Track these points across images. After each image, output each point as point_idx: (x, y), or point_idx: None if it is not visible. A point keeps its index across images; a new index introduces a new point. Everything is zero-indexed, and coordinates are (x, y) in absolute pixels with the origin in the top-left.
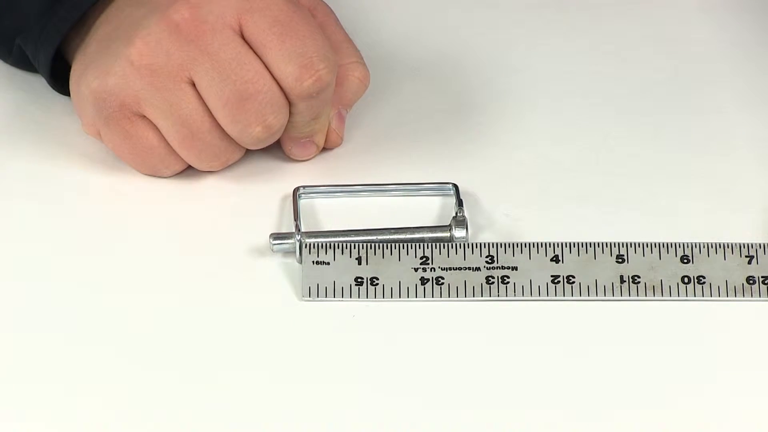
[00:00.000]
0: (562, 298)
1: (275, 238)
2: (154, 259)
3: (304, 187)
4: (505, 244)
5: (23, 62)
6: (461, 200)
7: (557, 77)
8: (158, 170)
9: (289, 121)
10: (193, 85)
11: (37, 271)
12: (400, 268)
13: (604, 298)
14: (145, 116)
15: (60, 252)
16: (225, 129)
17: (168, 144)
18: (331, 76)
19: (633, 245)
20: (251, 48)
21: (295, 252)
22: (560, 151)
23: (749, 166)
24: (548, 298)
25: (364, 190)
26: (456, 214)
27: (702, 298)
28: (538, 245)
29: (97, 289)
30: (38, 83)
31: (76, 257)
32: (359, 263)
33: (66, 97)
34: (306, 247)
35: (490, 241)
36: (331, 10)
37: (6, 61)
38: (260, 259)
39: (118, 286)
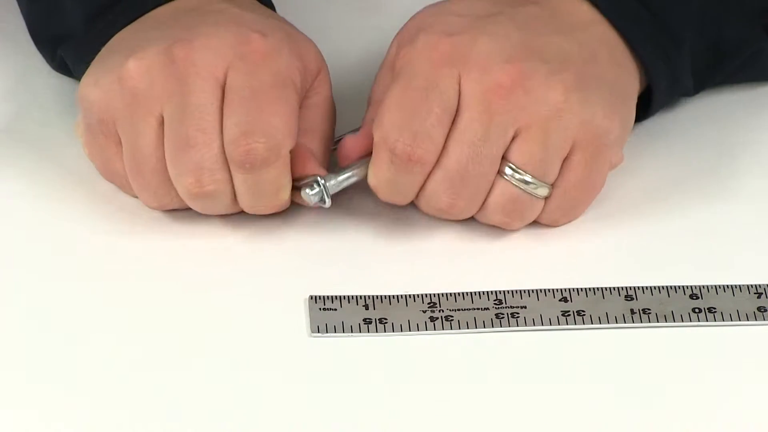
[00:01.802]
0: (573, 327)
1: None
2: (161, 292)
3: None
4: (512, 291)
5: (64, 68)
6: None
7: None
8: (124, 188)
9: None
10: (161, 121)
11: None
12: (408, 311)
13: (615, 325)
14: (119, 137)
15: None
16: (169, 170)
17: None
18: (267, 155)
19: (641, 287)
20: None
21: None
22: None
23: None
24: (559, 327)
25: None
26: None
27: (714, 323)
28: (546, 289)
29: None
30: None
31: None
32: (366, 309)
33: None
34: (312, 298)
35: (498, 287)
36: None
37: (50, 65)
38: (270, 295)
39: (126, 320)
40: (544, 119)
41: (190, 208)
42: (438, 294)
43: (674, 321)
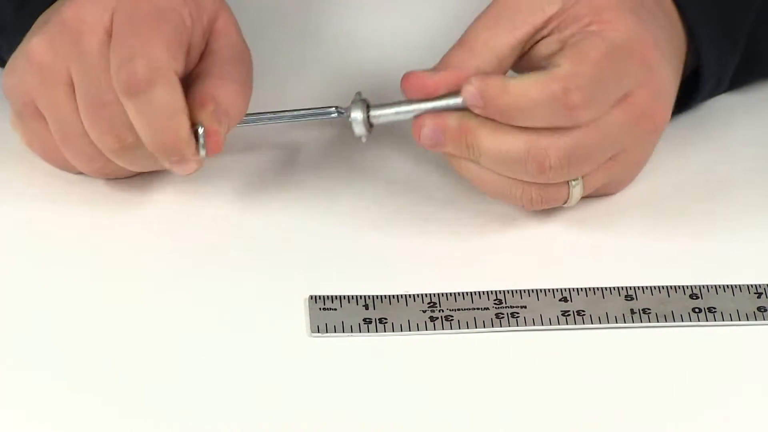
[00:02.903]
0: (573, 327)
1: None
2: (161, 292)
3: None
4: (512, 291)
5: None
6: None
7: None
8: (67, 167)
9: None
10: (73, 87)
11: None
12: (408, 310)
13: (615, 325)
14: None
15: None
16: (89, 135)
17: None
18: (149, 75)
19: (641, 287)
20: None
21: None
22: None
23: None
24: (559, 327)
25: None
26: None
27: (714, 323)
28: (546, 289)
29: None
30: None
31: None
32: (366, 309)
33: None
34: (312, 298)
35: (498, 287)
36: (239, 39)
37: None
38: (270, 295)
39: (125, 320)
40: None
41: (133, 174)
42: (438, 294)
43: (674, 321)
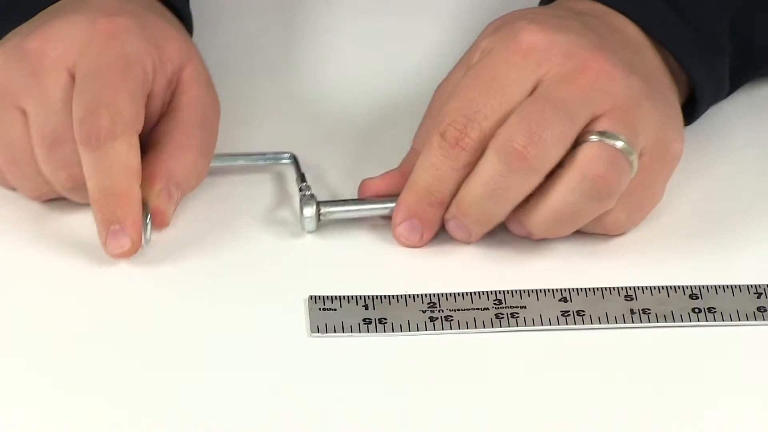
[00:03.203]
0: (573, 327)
1: None
2: (160, 292)
3: None
4: (512, 291)
5: None
6: (303, 175)
7: None
8: (8, 186)
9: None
10: (25, 114)
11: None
12: (408, 310)
13: (615, 325)
14: None
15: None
16: (41, 168)
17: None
18: (111, 128)
19: (641, 287)
20: None
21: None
22: None
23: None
24: (559, 327)
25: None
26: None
27: (714, 323)
28: (545, 289)
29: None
30: None
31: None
32: (366, 309)
33: None
34: (312, 298)
35: (498, 287)
36: (210, 92)
37: None
38: (270, 295)
39: (125, 320)
40: (627, 105)
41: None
42: (438, 294)
43: (674, 321)
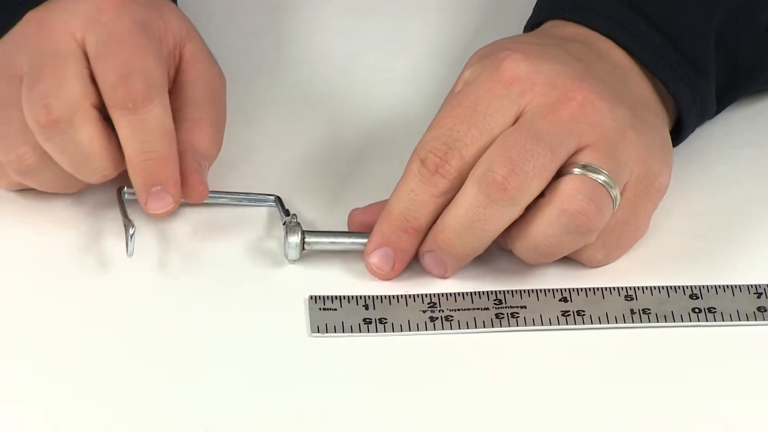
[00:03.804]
0: (573, 327)
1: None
2: (161, 292)
3: (129, 187)
4: (512, 291)
5: None
6: (287, 210)
7: None
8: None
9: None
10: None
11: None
12: (408, 310)
13: (615, 325)
14: None
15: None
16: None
17: None
18: (148, 91)
19: (641, 287)
20: (88, 61)
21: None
22: None
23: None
24: (559, 327)
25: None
26: (285, 222)
27: (714, 323)
28: (546, 289)
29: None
30: None
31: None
32: (366, 309)
33: None
34: (312, 298)
35: (498, 287)
36: (214, 68)
37: None
38: (270, 295)
39: (125, 320)
40: (612, 137)
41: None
42: (438, 294)
43: (674, 321)
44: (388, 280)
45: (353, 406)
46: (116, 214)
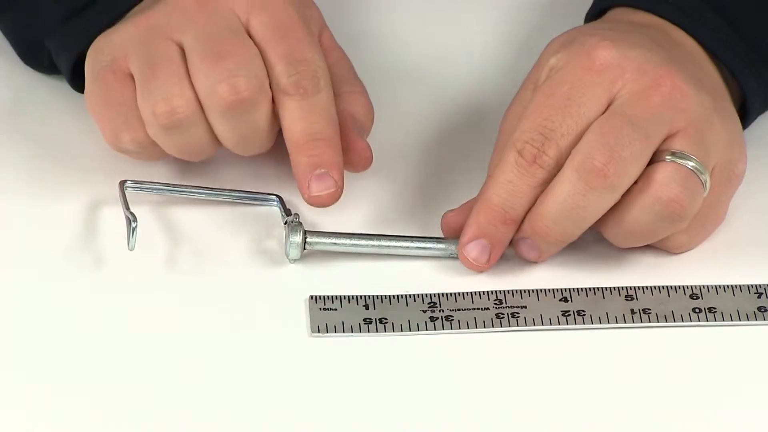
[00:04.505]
0: (574, 327)
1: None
2: (161, 292)
3: (132, 180)
4: (512, 291)
5: (54, 68)
6: (289, 210)
7: None
8: (120, 136)
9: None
10: (181, 46)
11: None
12: (408, 310)
13: (615, 325)
14: (131, 75)
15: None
16: (196, 86)
17: (137, 106)
18: (319, 82)
19: (641, 287)
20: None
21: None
22: None
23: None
24: (559, 327)
25: (191, 191)
26: (287, 221)
27: (714, 323)
28: (546, 289)
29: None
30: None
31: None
32: (366, 309)
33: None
34: (312, 298)
35: (498, 287)
36: (344, 53)
37: (39, 69)
38: (270, 295)
39: (126, 320)
40: (700, 123)
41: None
42: (438, 294)
43: (674, 321)
44: (482, 271)
45: (353, 406)
46: (114, 210)
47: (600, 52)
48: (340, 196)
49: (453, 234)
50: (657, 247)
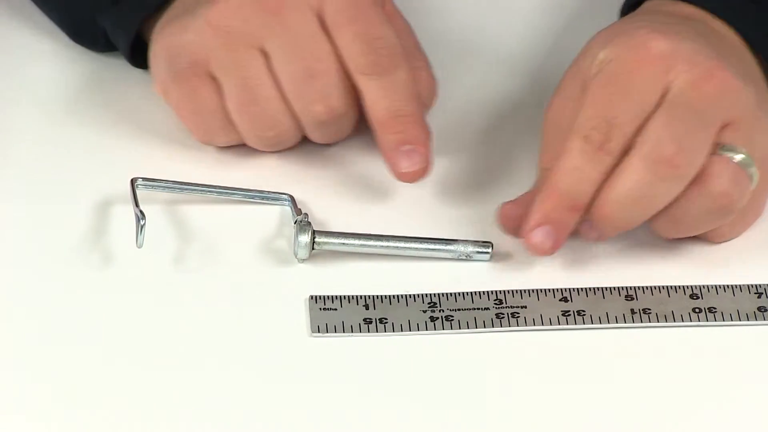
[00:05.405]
0: (574, 327)
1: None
2: (161, 292)
3: (143, 178)
4: (512, 291)
5: (109, 46)
6: (299, 210)
7: None
8: (213, 136)
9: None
10: (265, 54)
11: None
12: (408, 310)
13: (615, 325)
14: (213, 77)
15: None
16: (289, 103)
17: (228, 112)
18: (396, 59)
19: (641, 287)
20: (326, 30)
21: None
22: None
23: None
24: (559, 327)
25: (203, 190)
26: (296, 220)
27: (714, 323)
28: (546, 289)
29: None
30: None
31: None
32: (366, 309)
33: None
34: (312, 298)
35: (498, 287)
36: (407, 22)
37: (94, 48)
38: (270, 295)
39: (126, 320)
40: (748, 116)
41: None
42: (438, 294)
43: (674, 321)
44: (547, 255)
45: (353, 406)
46: (125, 208)
47: (652, 43)
48: (428, 171)
49: (512, 225)
50: (698, 237)
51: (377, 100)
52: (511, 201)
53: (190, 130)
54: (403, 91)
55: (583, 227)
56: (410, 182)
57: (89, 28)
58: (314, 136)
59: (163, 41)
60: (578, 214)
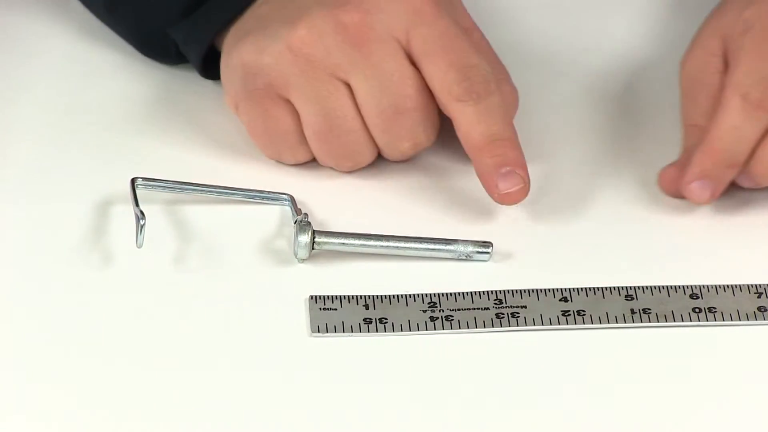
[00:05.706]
0: (574, 326)
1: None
2: (161, 292)
3: (143, 178)
4: (512, 291)
5: (180, 58)
6: (299, 210)
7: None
8: (283, 156)
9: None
10: (348, 86)
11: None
12: (408, 310)
13: (615, 325)
14: (288, 101)
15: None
16: (374, 137)
17: (302, 132)
18: (489, 86)
19: (641, 287)
20: (413, 61)
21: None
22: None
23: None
24: (559, 327)
25: (203, 190)
26: (296, 220)
27: (714, 323)
28: (546, 289)
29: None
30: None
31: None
32: (366, 309)
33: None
34: (312, 298)
35: (498, 287)
36: (484, 34)
37: (166, 61)
38: (270, 295)
39: (126, 320)
40: None
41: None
42: (438, 294)
43: (674, 321)
44: (704, 204)
45: (353, 406)
46: (125, 208)
47: None
48: (528, 192)
49: (673, 187)
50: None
51: (474, 125)
52: (670, 164)
53: (260, 148)
54: (497, 115)
55: (739, 177)
56: (511, 204)
57: (160, 41)
58: (390, 159)
59: (239, 58)
60: (735, 170)
